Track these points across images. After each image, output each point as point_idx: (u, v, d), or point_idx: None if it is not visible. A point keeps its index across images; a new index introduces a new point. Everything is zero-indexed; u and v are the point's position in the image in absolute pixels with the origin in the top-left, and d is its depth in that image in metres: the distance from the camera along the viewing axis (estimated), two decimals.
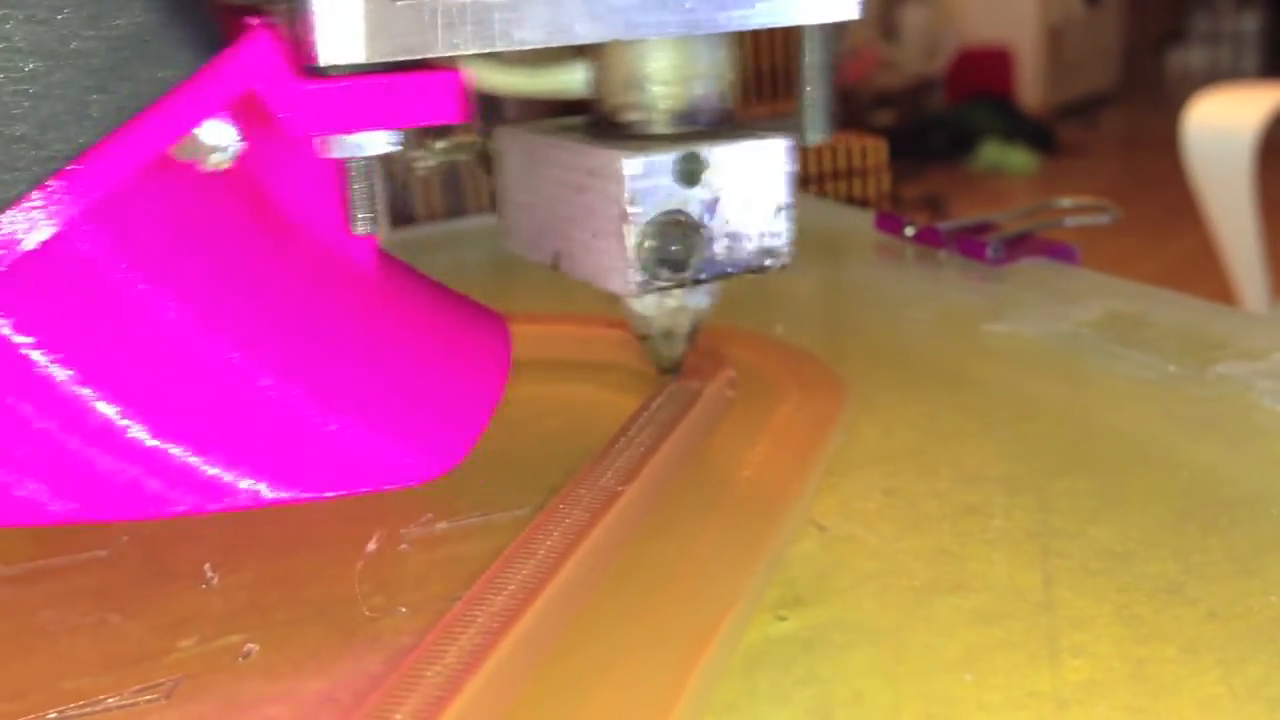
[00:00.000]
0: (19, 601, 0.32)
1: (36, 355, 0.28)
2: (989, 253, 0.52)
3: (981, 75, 3.94)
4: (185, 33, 0.29)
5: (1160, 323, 0.46)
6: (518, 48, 0.31)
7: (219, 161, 0.29)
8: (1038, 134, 3.67)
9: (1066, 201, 0.56)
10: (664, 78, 0.35)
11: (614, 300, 0.36)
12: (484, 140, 0.40)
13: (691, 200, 0.34)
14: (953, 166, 3.47)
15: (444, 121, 0.32)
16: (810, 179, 0.79)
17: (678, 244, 0.33)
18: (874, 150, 0.77)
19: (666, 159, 0.33)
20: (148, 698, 0.27)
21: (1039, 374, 0.43)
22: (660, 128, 0.35)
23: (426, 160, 0.41)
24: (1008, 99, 3.87)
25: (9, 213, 0.27)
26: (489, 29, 0.30)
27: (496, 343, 0.36)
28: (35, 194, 0.27)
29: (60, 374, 0.28)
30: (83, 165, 0.28)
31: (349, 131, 0.31)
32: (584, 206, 0.35)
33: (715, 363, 0.41)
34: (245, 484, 0.30)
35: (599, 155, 0.34)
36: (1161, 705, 0.25)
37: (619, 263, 0.34)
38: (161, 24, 0.29)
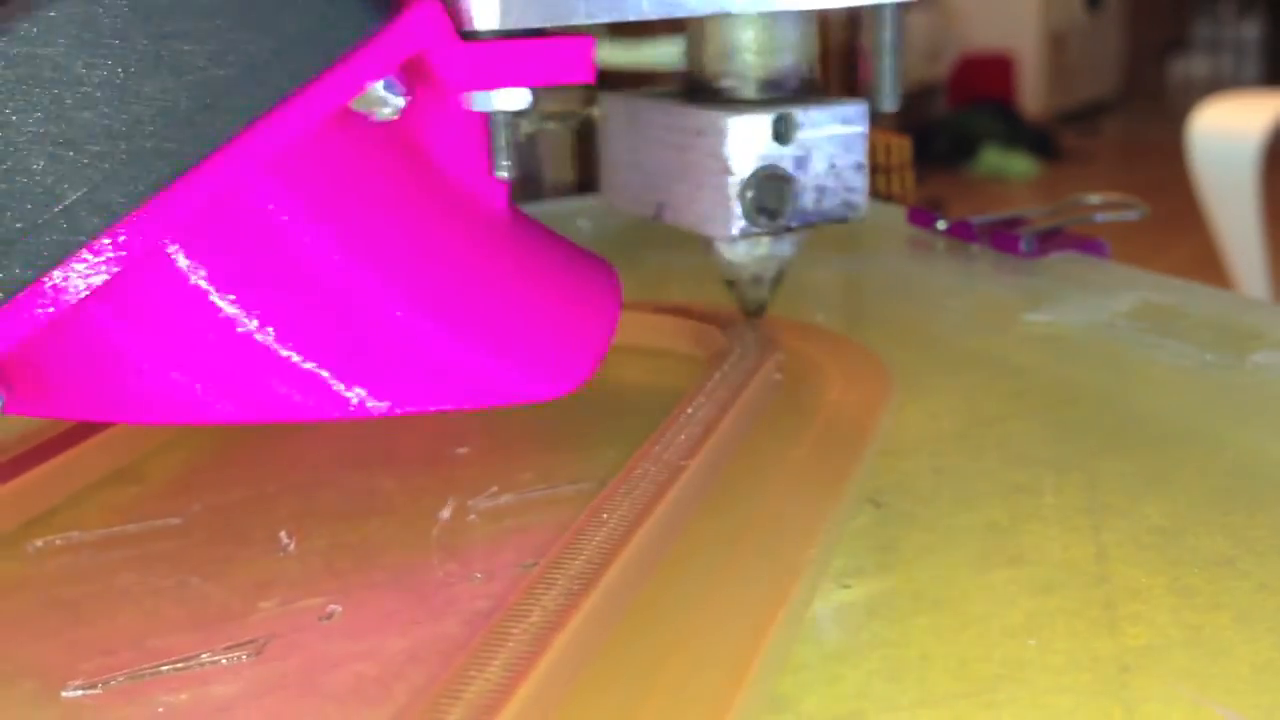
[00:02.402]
0: (99, 565, 0.33)
1: (213, 285, 0.31)
2: (1022, 246, 0.53)
3: (983, 81, 3.96)
4: (360, 2, 0.32)
5: (1194, 314, 0.47)
6: (642, 18, 0.37)
7: (388, 115, 0.33)
8: (1039, 140, 3.69)
9: (1095, 198, 0.57)
10: (756, 49, 0.40)
11: (707, 248, 0.42)
12: (581, 108, 0.46)
13: (784, 156, 0.39)
14: (954, 172, 3.48)
15: (578, 81, 0.36)
16: None
17: (772, 194, 0.39)
18: (898, 148, 0.78)
19: (763, 119, 0.38)
20: (239, 654, 0.28)
21: (1078, 361, 0.44)
22: (752, 93, 0.40)
23: (528, 126, 0.46)
24: (1009, 105, 3.89)
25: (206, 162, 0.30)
26: (619, 1, 0.36)
27: (608, 286, 0.39)
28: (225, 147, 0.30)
29: (230, 300, 0.31)
30: (269, 120, 0.31)
31: (500, 86, 0.35)
32: (688, 163, 0.40)
33: (764, 347, 0.42)
34: (373, 403, 0.33)
35: (704, 116, 0.39)
36: (1218, 669, 0.26)
37: (721, 211, 0.39)
38: None
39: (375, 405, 0.33)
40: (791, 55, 0.40)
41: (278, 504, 0.36)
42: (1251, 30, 4.77)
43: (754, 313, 0.43)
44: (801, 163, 0.39)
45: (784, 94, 0.40)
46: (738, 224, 0.39)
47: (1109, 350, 0.44)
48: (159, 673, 0.28)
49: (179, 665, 0.28)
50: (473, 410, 0.34)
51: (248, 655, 0.28)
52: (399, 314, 0.33)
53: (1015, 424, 0.39)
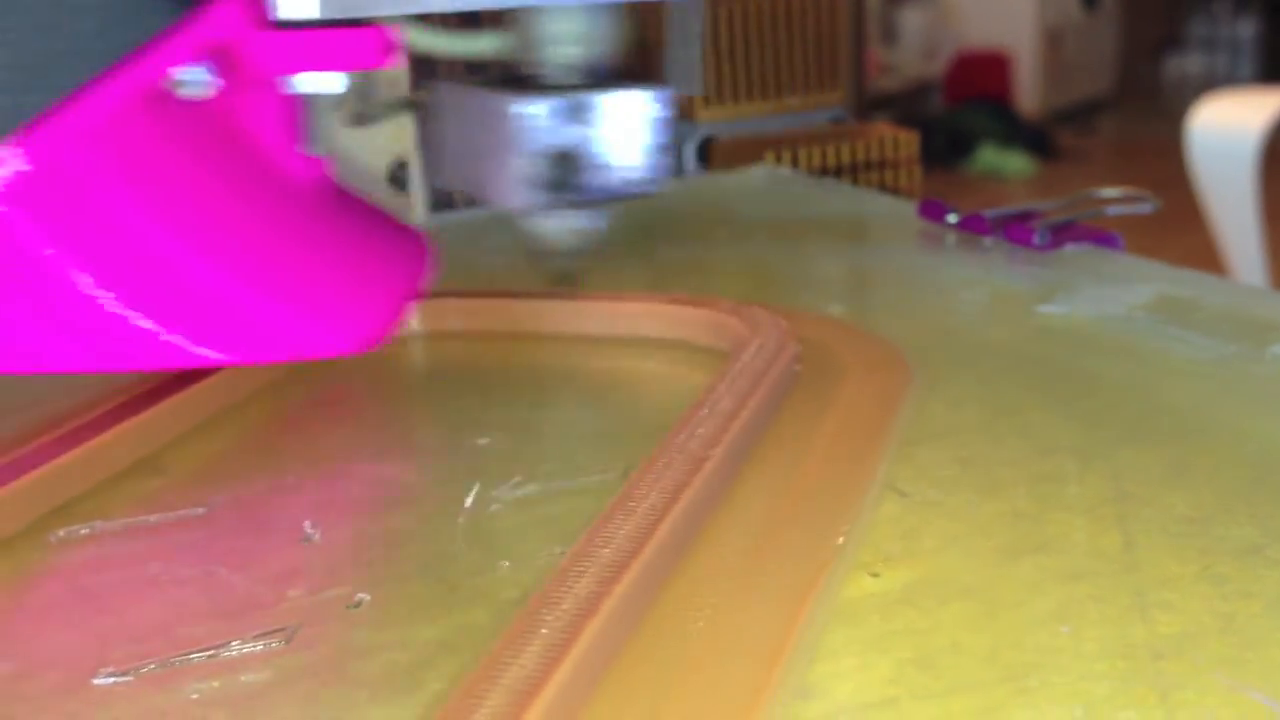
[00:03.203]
0: (125, 554, 0.33)
1: (41, 244, 0.34)
2: (1036, 239, 0.53)
3: (979, 79, 3.96)
4: None
5: (1211, 306, 0.47)
6: (442, 10, 0.41)
7: (197, 95, 0.37)
8: (1035, 138, 3.69)
9: (1108, 191, 0.57)
10: (559, 39, 0.43)
11: (521, 223, 0.46)
12: (422, 95, 0.49)
13: (576, 136, 0.42)
14: (950, 170, 3.48)
15: (374, 67, 0.40)
16: (843, 169, 0.80)
17: (560, 171, 0.42)
18: (906, 142, 0.78)
19: (550, 103, 0.42)
20: (270, 642, 0.28)
21: (1097, 353, 0.44)
22: (556, 79, 0.44)
23: (381, 111, 0.53)
24: (1005, 103, 3.89)
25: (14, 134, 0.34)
26: None
27: (416, 257, 0.43)
28: (44, 117, 0.34)
29: (57, 258, 0.34)
30: (85, 94, 0.34)
31: (301, 71, 0.39)
32: (490, 143, 0.43)
33: (782, 339, 0.42)
34: (194, 349, 0.35)
35: (500, 100, 0.43)
36: (1253, 655, 0.26)
37: (515, 186, 0.42)
38: None
39: (187, 350, 0.35)
40: (600, 45, 0.44)
41: (300, 494, 0.36)
42: (1247, 28, 4.78)
43: (560, 283, 0.47)
44: (594, 142, 0.43)
45: (586, 80, 0.44)
46: (528, 197, 0.42)
47: (1127, 342, 0.44)
48: (190, 661, 0.28)
49: (209, 653, 0.28)
50: (276, 363, 0.39)
51: (278, 643, 0.28)
52: (201, 270, 0.36)
53: (1036, 414, 0.39)
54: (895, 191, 0.75)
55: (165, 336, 0.35)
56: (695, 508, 0.32)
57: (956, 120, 3.70)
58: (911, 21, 3.93)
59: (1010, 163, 3.57)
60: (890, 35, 3.87)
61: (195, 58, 0.37)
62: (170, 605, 0.30)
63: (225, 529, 0.34)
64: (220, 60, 0.37)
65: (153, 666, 0.27)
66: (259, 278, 0.36)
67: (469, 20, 0.48)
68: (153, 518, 0.35)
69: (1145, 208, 0.56)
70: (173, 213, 0.36)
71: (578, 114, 0.42)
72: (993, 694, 0.26)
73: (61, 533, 0.34)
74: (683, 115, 0.83)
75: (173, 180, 0.36)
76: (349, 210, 0.42)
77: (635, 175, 0.44)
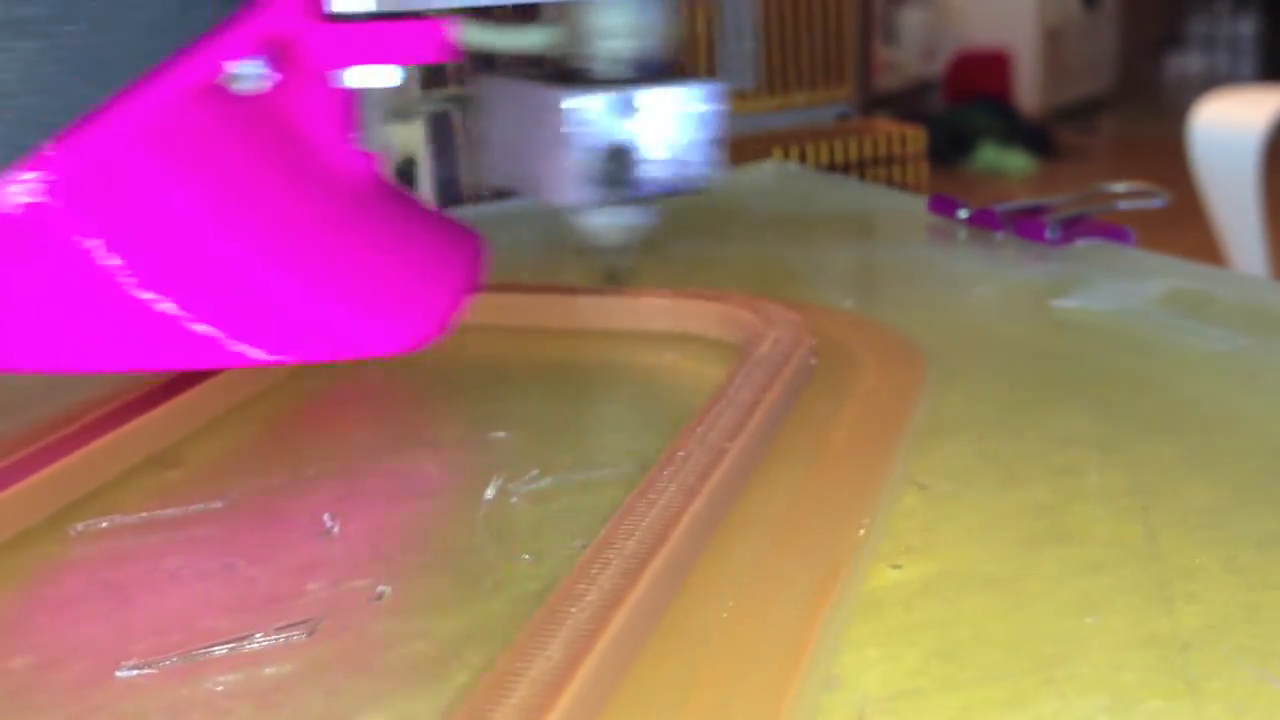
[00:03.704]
0: (144, 548, 0.33)
1: (91, 242, 0.34)
2: (1048, 233, 0.53)
3: (980, 78, 3.96)
4: None
5: (1225, 299, 0.47)
6: (496, 4, 0.41)
7: (252, 89, 0.36)
8: (1035, 137, 3.68)
9: (1119, 186, 0.57)
10: (611, 32, 0.43)
11: (569, 219, 0.45)
12: (470, 91, 0.50)
13: (628, 132, 0.42)
14: (950, 168, 3.48)
15: (433, 61, 0.40)
16: (850, 165, 0.80)
17: (614, 167, 0.41)
18: (913, 138, 0.78)
19: (604, 97, 0.41)
20: (292, 634, 0.28)
21: (1113, 346, 0.43)
22: (608, 73, 0.43)
23: (425, 106, 0.52)
24: (1006, 102, 3.89)
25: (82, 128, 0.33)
26: None
27: (471, 256, 0.42)
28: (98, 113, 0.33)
29: (107, 257, 0.34)
30: (140, 90, 0.34)
31: (358, 65, 0.38)
32: (542, 138, 0.43)
33: (797, 332, 0.42)
34: (239, 347, 0.35)
35: (552, 94, 0.42)
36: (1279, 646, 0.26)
37: (565, 182, 0.42)
38: None
39: (243, 352, 0.35)
40: (651, 38, 0.43)
41: (318, 488, 0.36)
42: (1247, 27, 4.78)
43: (612, 280, 0.46)
44: (647, 137, 0.42)
45: (641, 74, 0.43)
46: (580, 193, 0.42)
47: (1142, 335, 0.44)
48: (212, 653, 0.28)
49: (232, 646, 0.28)
50: (328, 363, 0.38)
51: (301, 635, 0.28)
52: (256, 268, 0.35)
53: (1054, 407, 0.39)
54: (902, 187, 0.75)
55: (220, 338, 0.35)
56: (716, 500, 0.32)
57: (957, 119, 3.70)
58: (912, 21, 3.93)
59: (1011, 161, 3.57)
60: (890, 34, 3.87)
61: (251, 51, 0.36)
62: (191, 598, 0.30)
63: (244, 522, 0.34)
64: (276, 54, 0.37)
65: (175, 659, 0.27)
66: (315, 276, 0.36)
67: (520, 14, 0.47)
68: (171, 511, 0.34)
69: (1156, 202, 0.56)
70: (227, 210, 0.35)
71: (631, 109, 0.41)
72: (1019, 684, 0.26)
73: (80, 526, 0.34)
74: None
75: (227, 176, 0.36)
76: (401, 206, 0.42)
77: (688, 170, 0.43)
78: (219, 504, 0.35)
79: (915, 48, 3.91)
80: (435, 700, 0.26)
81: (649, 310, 0.45)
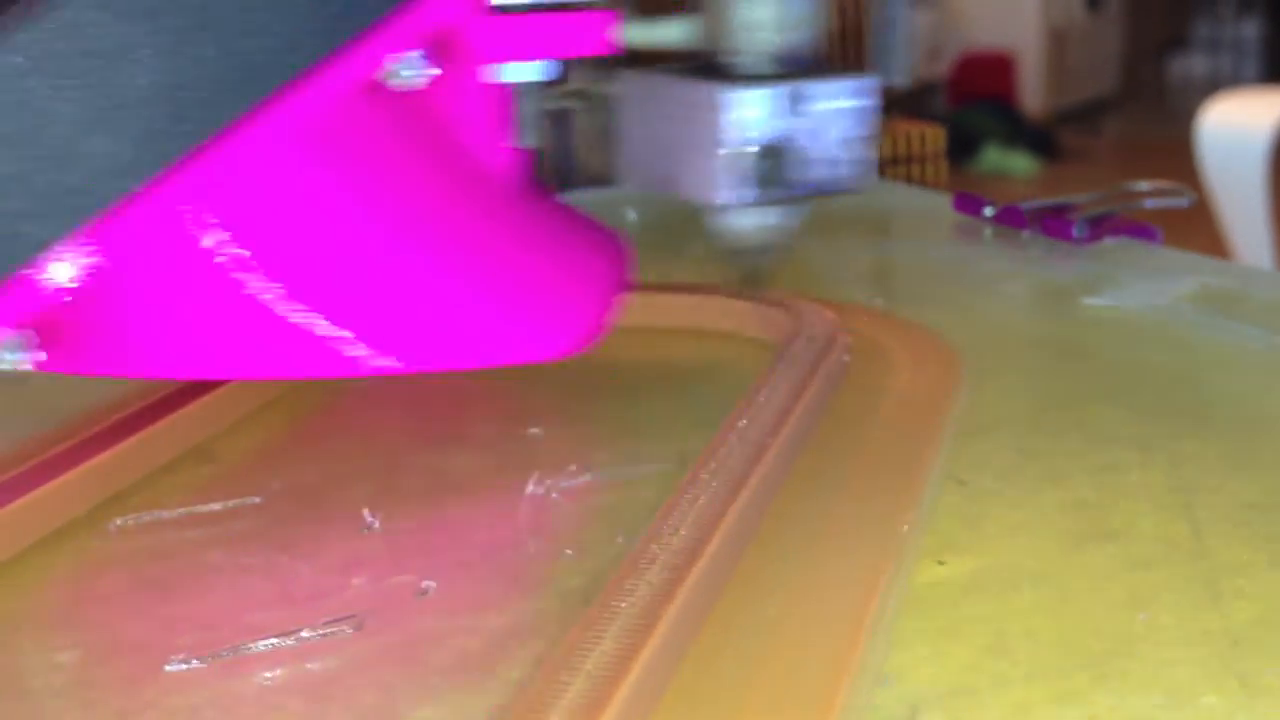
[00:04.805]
0: (185, 543, 0.33)
1: (242, 246, 0.32)
2: (1075, 232, 0.53)
3: (983, 80, 3.96)
4: None
5: (1256, 297, 0.47)
6: None
7: (414, 85, 0.35)
8: (1039, 139, 3.69)
9: (1144, 184, 0.57)
10: (764, 26, 0.41)
11: (712, 218, 0.44)
12: (595, 86, 0.49)
13: (788, 129, 0.41)
14: (955, 170, 3.48)
15: (599, 53, 0.38)
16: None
17: (772, 166, 0.40)
18: (932, 137, 0.78)
19: (764, 93, 0.40)
20: (338, 628, 0.28)
21: (1146, 343, 0.43)
22: (761, 68, 0.42)
23: (551, 103, 0.48)
24: (1009, 103, 3.89)
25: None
26: None
27: (617, 259, 0.41)
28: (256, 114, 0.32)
29: (257, 261, 0.33)
30: (298, 90, 0.32)
31: (523, 59, 0.37)
32: (694, 135, 0.41)
33: (831, 330, 0.42)
34: (385, 361, 0.34)
35: (706, 90, 0.41)
36: None
37: (722, 181, 0.41)
38: None
39: (388, 363, 0.34)
40: (799, 32, 0.42)
41: (355, 484, 0.36)
42: (1251, 29, 4.78)
43: (753, 281, 0.45)
44: (807, 135, 0.41)
45: (792, 69, 0.42)
46: (737, 194, 0.41)
47: (1174, 333, 0.44)
48: (260, 647, 0.28)
49: (279, 640, 0.28)
50: (480, 369, 0.36)
51: (348, 630, 0.28)
52: (416, 272, 0.34)
53: (1092, 406, 0.39)
54: (921, 185, 0.75)
55: (372, 344, 0.33)
56: (758, 496, 0.32)
57: (961, 121, 3.70)
58: (916, 23, 3.93)
59: (1015, 163, 3.57)
60: None
61: (413, 45, 0.35)
62: (235, 593, 0.30)
63: (283, 517, 0.34)
64: (437, 48, 0.35)
65: (225, 654, 0.27)
66: (478, 281, 0.35)
67: (657, 7, 0.45)
68: (211, 506, 0.34)
69: (1181, 201, 0.56)
70: (385, 213, 0.34)
71: (790, 104, 0.40)
72: (1072, 681, 0.26)
73: (120, 521, 0.34)
74: None
75: (385, 177, 0.35)
76: (549, 207, 0.40)
77: (841, 169, 0.42)
78: (256, 499, 0.35)
79: (920, 50, 3.91)
80: (486, 695, 0.26)
81: (682, 307, 0.45)
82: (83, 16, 0.29)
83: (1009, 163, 3.57)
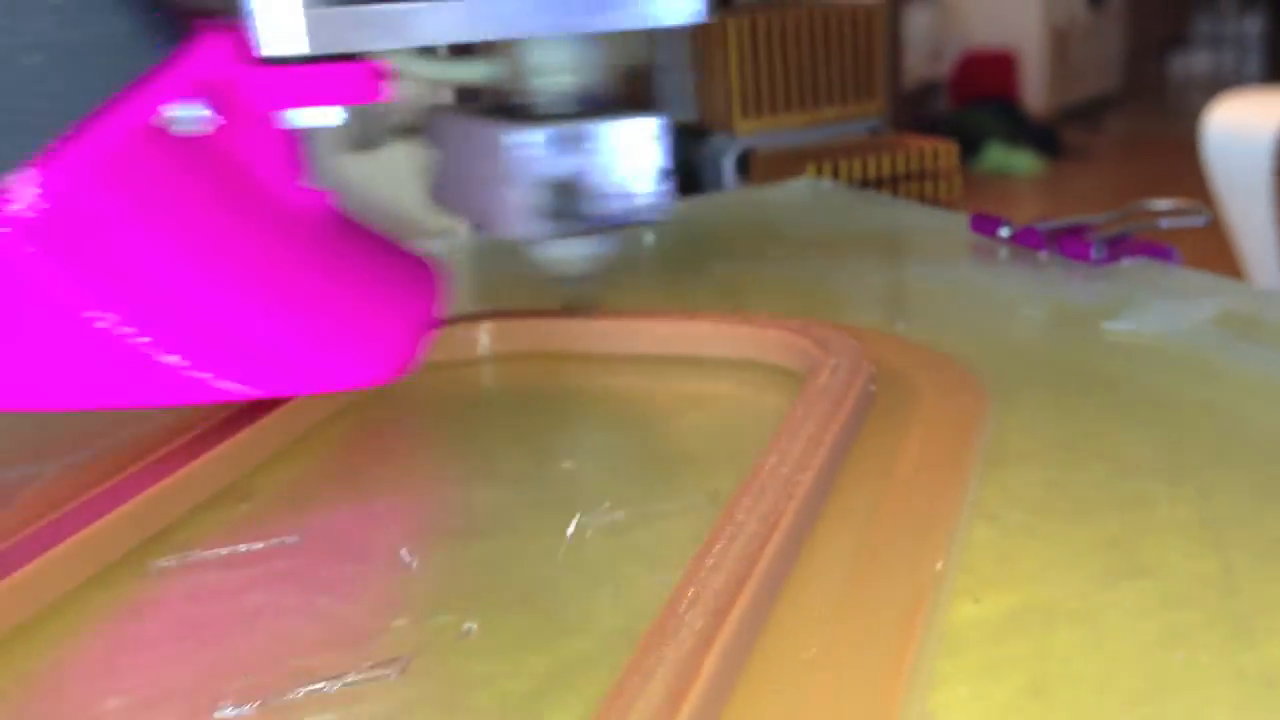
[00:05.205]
0: (225, 584, 0.33)
1: (52, 277, 0.34)
2: (1093, 253, 0.54)
3: (985, 78, 3.96)
4: (158, 35, 0.37)
5: (1277, 321, 0.47)
6: (429, 44, 0.42)
7: (193, 130, 0.37)
8: (1041, 137, 3.69)
9: (1160, 203, 0.57)
10: (549, 68, 0.43)
11: (531, 251, 0.46)
12: (416, 120, 0.50)
13: (573, 165, 0.42)
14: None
15: (365, 101, 0.40)
16: (884, 181, 0.80)
17: (565, 200, 0.42)
18: (945, 153, 0.78)
19: (543, 132, 0.42)
20: (383, 672, 0.28)
21: (1170, 370, 0.44)
22: (549, 108, 0.43)
23: (380, 137, 0.54)
24: (1012, 102, 3.89)
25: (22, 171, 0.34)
26: (401, 30, 0.40)
27: (428, 279, 0.43)
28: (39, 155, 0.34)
29: (68, 292, 0.34)
30: (85, 131, 0.35)
31: (296, 107, 0.39)
32: (488, 172, 0.43)
33: (856, 359, 0.42)
34: (218, 383, 0.36)
35: (492, 131, 0.42)
36: None
37: (512, 216, 0.42)
38: (135, 28, 0.36)
39: (212, 385, 0.36)
40: (585, 73, 0.44)
41: (391, 521, 0.36)
42: (1253, 25, 4.78)
43: (575, 308, 0.46)
44: (598, 170, 0.43)
45: (585, 108, 0.43)
46: (529, 227, 0.42)
47: (1199, 358, 0.44)
48: (308, 693, 0.28)
49: (326, 685, 0.28)
50: (303, 395, 0.39)
51: (393, 674, 0.28)
52: (220, 302, 0.36)
53: (1117, 435, 0.39)
54: (935, 202, 0.76)
55: (188, 371, 0.35)
56: (793, 534, 0.32)
57: (963, 120, 3.70)
58: (917, 22, 3.93)
59: (1018, 161, 3.57)
60: (896, 35, 3.87)
61: (187, 94, 0.37)
62: (277, 636, 0.31)
63: (321, 557, 0.34)
64: (214, 97, 0.38)
65: (273, 700, 0.28)
66: (278, 310, 0.37)
67: (464, 47, 0.48)
68: (256, 545, 0.35)
69: (1198, 220, 0.57)
70: (186, 245, 0.36)
71: (575, 143, 0.42)
72: None
73: (160, 562, 0.34)
74: (721, 127, 0.83)
75: (184, 214, 0.37)
76: (359, 240, 0.42)
77: (639, 202, 0.43)
78: (294, 538, 0.35)
79: (921, 50, 3.91)
80: None
81: (704, 336, 0.46)
82: None
83: (1012, 161, 3.57)
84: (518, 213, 0.42)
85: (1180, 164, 1.81)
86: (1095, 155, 3.76)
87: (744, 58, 0.75)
